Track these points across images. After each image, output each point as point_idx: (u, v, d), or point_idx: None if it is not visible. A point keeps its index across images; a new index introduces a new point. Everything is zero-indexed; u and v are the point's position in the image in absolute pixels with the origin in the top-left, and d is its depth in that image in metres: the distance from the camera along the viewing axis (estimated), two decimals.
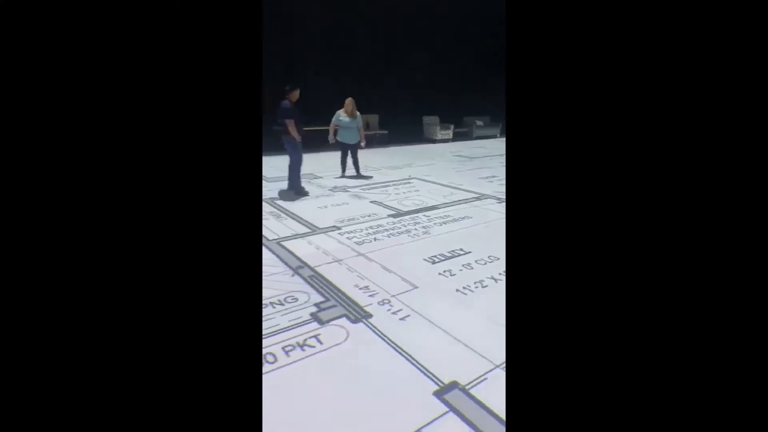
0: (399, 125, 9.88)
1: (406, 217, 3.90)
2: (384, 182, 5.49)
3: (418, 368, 1.70)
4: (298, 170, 4.70)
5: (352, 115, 5.45)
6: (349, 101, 5.46)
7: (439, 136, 9.89)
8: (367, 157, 7.22)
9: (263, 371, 1.68)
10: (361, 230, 3.51)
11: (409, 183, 5.46)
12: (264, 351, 1.82)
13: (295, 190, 4.71)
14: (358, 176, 5.71)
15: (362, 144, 5.64)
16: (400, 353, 1.81)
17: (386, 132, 9.37)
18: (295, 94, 4.47)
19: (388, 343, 1.89)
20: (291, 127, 4.40)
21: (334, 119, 5.49)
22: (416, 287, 2.45)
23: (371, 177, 5.81)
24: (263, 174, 5.93)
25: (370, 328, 2.01)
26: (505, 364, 1.72)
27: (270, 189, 5.02)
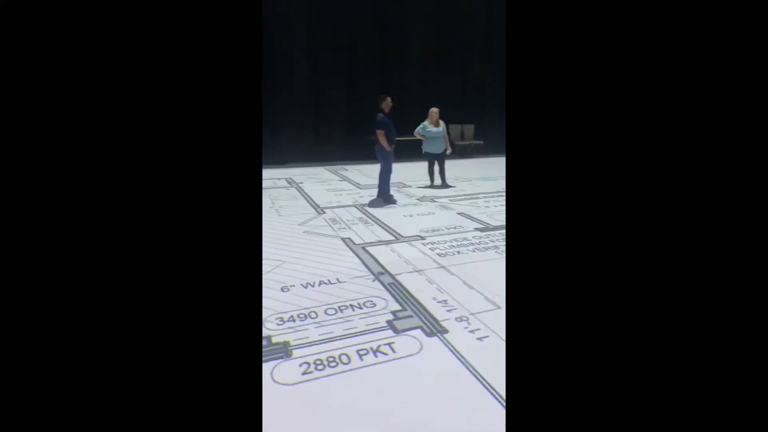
0: (496, 135, 9.52)
1: (495, 232, 3.73)
2: (474, 194, 5.34)
3: (492, 393, 1.61)
4: (388, 179, 4.83)
5: (437, 125, 5.50)
6: (434, 111, 5.51)
7: None
8: (460, 167, 7.11)
9: (337, 370, 1.75)
10: (445, 242, 3.46)
11: (501, 196, 5.23)
12: (339, 351, 1.90)
13: (383, 197, 4.85)
14: (443, 185, 5.68)
15: (448, 152, 5.63)
16: (474, 374, 1.72)
17: (481, 142, 9.12)
18: (387, 104, 4.62)
19: (462, 361, 1.82)
20: (381, 137, 4.56)
21: (419, 129, 5.56)
22: (498, 307, 2.32)
23: (453, 186, 5.72)
24: (356, 180, 6.24)
25: (445, 344, 1.96)
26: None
27: (361, 195, 5.25)
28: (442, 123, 5.56)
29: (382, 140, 4.60)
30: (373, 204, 4.78)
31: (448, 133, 5.77)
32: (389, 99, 4.67)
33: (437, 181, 5.76)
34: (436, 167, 5.73)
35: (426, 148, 5.61)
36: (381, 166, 4.79)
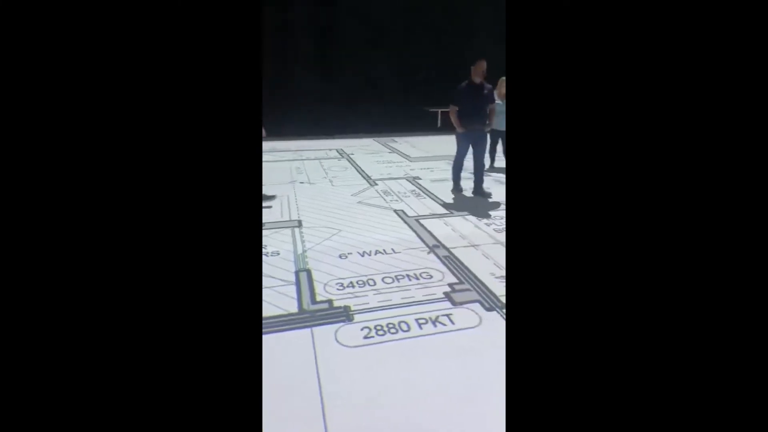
0: None
1: None
2: None
3: None
4: (456, 167, 4.18)
5: (503, 97, 4.80)
6: (502, 81, 4.86)
7: None
8: None
9: (397, 337, 1.79)
10: (501, 218, 3.37)
11: None
12: (398, 319, 1.93)
13: (453, 185, 4.25)
14: (491, 169, 5.06)
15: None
16: None
17: None
18: (477, 69, 3.77)
19: None
20: (452, 114, 3.95)
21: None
22: None
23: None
24: (405, 153, 6.16)
25: (505, 319, 1.94)
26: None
27: (412, 168, 5.19)
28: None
29: (453, 118, 3.88)
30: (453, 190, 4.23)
31: None
32: (483, 63, 3.67)
33: (500, 162, 5.13)
34: (499, 146, 5.11)
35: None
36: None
